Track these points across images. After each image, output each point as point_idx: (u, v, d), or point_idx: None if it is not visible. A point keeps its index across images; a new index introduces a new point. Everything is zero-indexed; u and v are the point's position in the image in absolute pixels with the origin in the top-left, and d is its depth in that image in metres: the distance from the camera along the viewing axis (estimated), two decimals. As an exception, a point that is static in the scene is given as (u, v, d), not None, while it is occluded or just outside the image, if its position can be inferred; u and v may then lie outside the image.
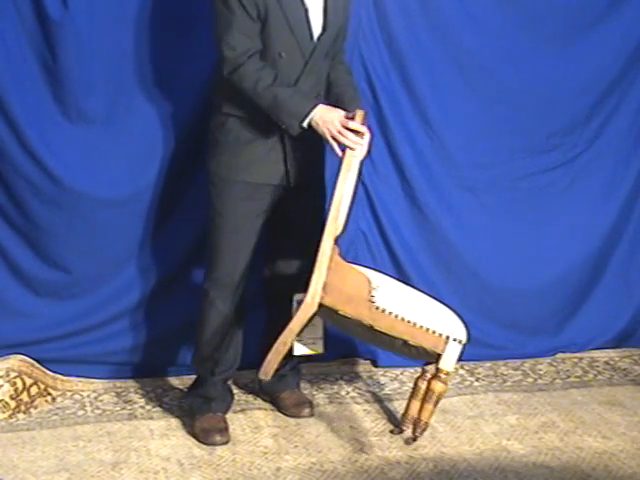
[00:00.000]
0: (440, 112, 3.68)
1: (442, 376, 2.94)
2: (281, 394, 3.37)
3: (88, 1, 3.30)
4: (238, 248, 3.09)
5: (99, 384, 3.55)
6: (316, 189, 3.20)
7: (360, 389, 3.59)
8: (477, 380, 3.69)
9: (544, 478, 2.97)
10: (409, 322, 2.87)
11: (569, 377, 3.76)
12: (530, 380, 3.71)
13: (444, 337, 2.90)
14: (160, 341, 3.59)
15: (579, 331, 3.96)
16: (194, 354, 3.27)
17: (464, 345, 2.95)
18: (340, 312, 2.81)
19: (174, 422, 3.28)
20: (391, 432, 3.19)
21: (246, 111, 2.99)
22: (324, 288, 2.75)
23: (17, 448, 3.08)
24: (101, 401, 3.44)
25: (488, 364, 3.83)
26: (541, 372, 3.79)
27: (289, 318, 2.87)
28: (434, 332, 2.90)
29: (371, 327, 2.84)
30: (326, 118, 2.88)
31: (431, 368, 3.02)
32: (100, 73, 3.37)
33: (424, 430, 3.02)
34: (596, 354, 3.96)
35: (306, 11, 2.95)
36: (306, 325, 2.89)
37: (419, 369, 3.72)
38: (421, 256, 3.78)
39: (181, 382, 3.53)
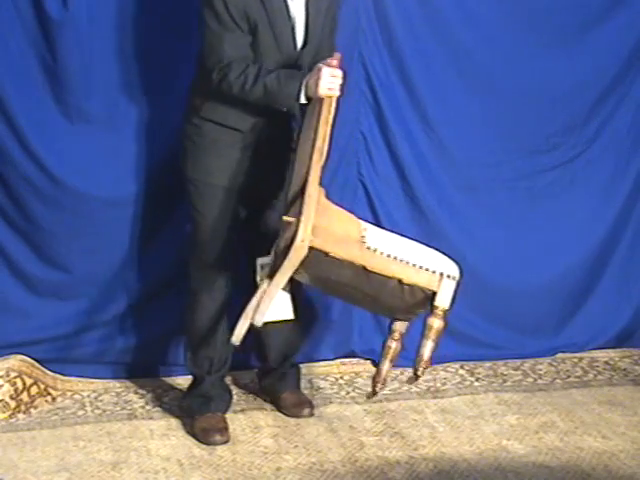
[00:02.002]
0: (440, 112, 3.68)
1: (439, 313, 2.86)
2: (281, 394, 3.37)
3: (88, 1, 3.30)
4: (222, 246, 3.10)
5: (99, 384, 3.55)
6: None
7: (360, 389, 3.59)
8: (477, 380, 3.69)
9: (544, 478, 2.97)
10: (402, 261, 2.82)
11: (569, 377, 3.75)
12: (530, 380, 3.71)
13: (438, 274, 2.84)
14: (160, 341, 3.59)
15: (579, 331, 3.96)
16: (186, 355, 3.27)
17: (457, 283, 2.89)
18: (331, 254, 2.75)
19: (174, 422, 3.28)
20: (367, 397, 3.14)
21: (224, 115, 3.01)
22: (313, 231, 2.70)
23: (17, 448, 3.08)
24: (101, 401, 3.44)
25: (488, 364, 3.83)
26: (541, 372, 3.79)
27: (254, 284, 2.87)
28: (427, 270, 2.84)
29: (364, 268, 2.78)
30: (318, 83, 2.84)
31: (399, 325, 2.98)
32: (100, 73, 3.37)
33: (426, 368, 2.94)
34: (596, 354, 3.96)
35: (292, 26, 2.98)
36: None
37: (419, 369, 3.76)
38: (421, 256, 3.78)
39: (181, 382, 3.52)
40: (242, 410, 3.37)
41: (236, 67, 2.90)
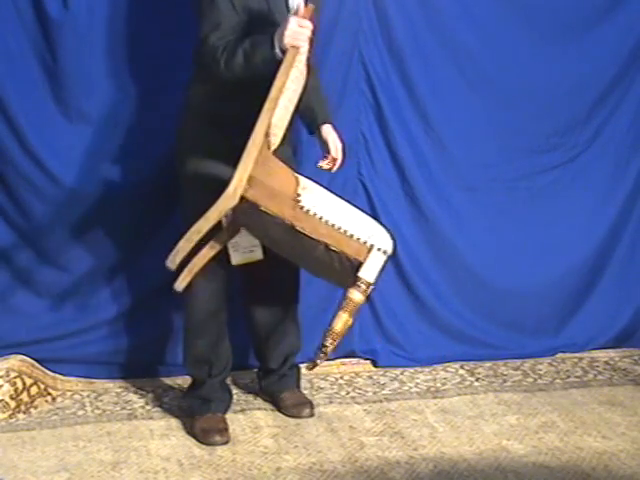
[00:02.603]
0: (440, 112, 3.69)
1: (361, 286, 2.74)
2: (281, 394, 3.37)
3: (88, 1, 3.31)
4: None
5: (99, 384, 3.55)
6: (287, 151, 3.14)
7: (360, 389, 3.59)
8: (477, 380, 3.69)
9: (544, 478, 2.97)
10: (333, 226, 2.72)
11: (569, 377, 3.75)
12: (530, 380, 3.71)
13: (368, 245, 2.74)
14: (160, 341, 3.59)
15: (579, 331, 3.96)
16: (185, 358, 3.26)
17: (388, 257, 2.79)
18: (262, 208, 2.68)
19: (174, 422, 3.28)
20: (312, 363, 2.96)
21: (218, 114, 2.97)
22: (249, 181, 2.62)
23: (17, 448, 3.08)
24: (101, 401, 3.44)
25: (488, 364, 3.83)
26: (541, 372, 3.79)
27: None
28: (358, 239, 2.74)
29: (292, 227, 2.70)
30: (284, 32, 2.73)
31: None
32: (100, 73, 3.38)
33: (335, 340, 2.79)
34: (596, 354, 3.96)
35: (289, 12, 2.96)
36: (237, 231, 2.80)
37: (419, 369, 3.76)
38: (421, 256, 3.78)
39: (181, 382, 3.52)
40: (242, 410, 3.37)
41: (221, 46, 2.85)
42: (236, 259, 3.03)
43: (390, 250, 2.79)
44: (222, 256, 3.06)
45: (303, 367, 3.27)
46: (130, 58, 3.37)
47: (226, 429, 3.16)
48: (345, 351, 3.77)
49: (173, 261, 2.77)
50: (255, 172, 2.64)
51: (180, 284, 2.94)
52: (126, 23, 3.34)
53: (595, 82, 3.81)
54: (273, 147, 2.86)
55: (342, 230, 2.73)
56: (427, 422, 3.32)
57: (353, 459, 3.06)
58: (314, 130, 3.22)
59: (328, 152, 3.20)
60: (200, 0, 2.92)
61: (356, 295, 2.73)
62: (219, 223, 2.83)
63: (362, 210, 2.95)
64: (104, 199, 3.44)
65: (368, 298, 2.76)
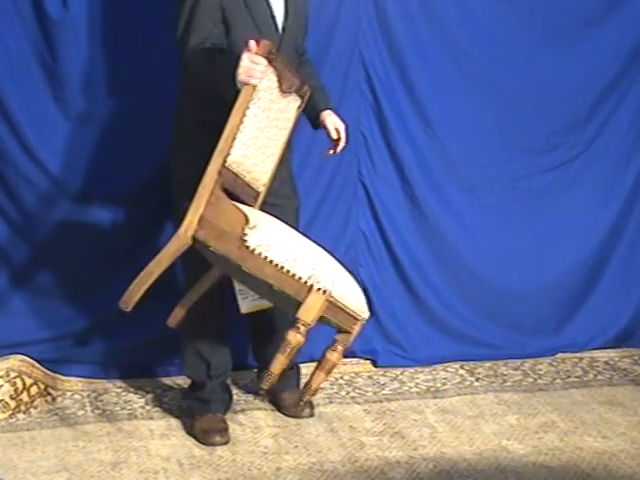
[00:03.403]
0: (440, 112, 3.69)
1: (300, 327, 2.67)
2: (281, 394, 3.37)
3: (88, 1, 3.31)
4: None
5: (99, 384, 3.55)
6: (287, 188, 3.17)
7: (360, 389, 3.59)
8: (477, 380, 3.69)
9: (544, 478, 2.97)
10: (276, 265, 2.69)
11: (569, 377, 3.75)
12: (530, 380, 3.71)
13: (308, 285, 2.70)
14: (161, 341, 3.59)
15: (579, 331, 3.96)
16: (183, 360, 3.26)
17: (329, 296, 2.71)
18: (211, 248, 2.70)
19: (174, 422, 3.28)
20: (297, 407, 2.96)
21: (209, 114, 2.92)
22: (199, 221, 2.66)
23: (17, 448, 3.08)
24: (101, 401, 3.44)
25: (488, 364, 3.83)
26: (541, 372, 3.79)
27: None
28: (299, 278, 2.69)
29: (239, 267, 2.71)
30: (238, 69, 2.70)
31: (341, 337, 2.82)
32: (100, 73, 3.38)
33: (273, 383, 2.75)
34: (596, 354, 3.96)
35: (271, 8, 2.96)
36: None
37: (419, 369, 3.76)
38: (421, 256, 3.79)
39: (181, 382, 3.52)
40: (242, 410, 3.37)
41: (194, 57, 2.85)
42: (246, 306, 3.06)
43: (330, 289, 2.72)
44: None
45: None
46: (130, 58, 3.37)
47: (226, 429, 3.16)
48: (345, 351, 3.77)
49: (127, 302, 2.81)
50: (206, 212, 2.67)
51: (172, 320, 2.98)
52: (126, 23, 3.34)
53: (595, 82, 3.81)
54: (260, 184, 2.86)
55: (285, 270, 2.70)
56: (427, 422, 3.32)
57: (353, 459, 3.06)
58: (316, 120, 3.15)
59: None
60: (177, 6, 2.92)
61: (292, 337, 2.68)
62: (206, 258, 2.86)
63: (318, 244, 2.92)
64: (104, 199, 3.44)
65: (305, 338, 2.70)
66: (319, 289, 2.69)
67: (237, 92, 2.70)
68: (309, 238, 2.93)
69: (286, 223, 3.00)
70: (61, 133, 3.40)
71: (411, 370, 3.75)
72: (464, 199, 3.79)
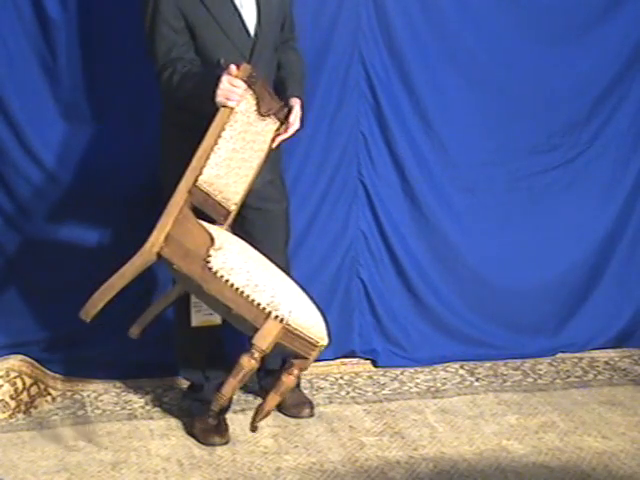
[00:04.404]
0: (440, 112, 3.69)
1: (254, 352, 2.67)
2: (281, 394, 3.37)
3: (88, 1, 3.31)
4: None
5: (99, 384, 3.55)
6: (273, 191, 3.15)
7: (360, 389, 3.59)
8: (477, 380, 3.69)
9: (544, 478, 2.97)
10: (237, 289, 2.69)
11: (569, 377, 3.75)
12: (530, 380, 3.71)
13: (266, 312, 2.69)
14: (161, 341, 3.58)
15: (579, 331, 3.96)
16: (178, 363, 3.27)
17: (285, 324, 2.69)
18: (174, 266, 2.72)
19: (174, 422, 3.28)
20: (251, 430, 2.87)
21: (189, 118, 2.91)
22: (166, 239, 2.68)
23: (17, 448, 3.08)
24: (101, 401, 3.44)
25: (488, 364, 3.83)
26: (541, 372, 3.79)
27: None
28: (259, 305, 2.68)
29: (200, 288, 2.72)
30: (216, 90, 2.70)
31: (298, 362, 2.79)
32: (100, 73, 3.38)
33: (222, 406, 2.78)
34: (596, 354, 3.96)
35: (239, 12, 2.94)
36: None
37: (419, 369, 3.75)
38: (421, 256, 3.78)
39: (181, 382, 3.52)
40: (242, 410, 3.37)
41: (165, 71, 2.85)
42: (197, 320, 3.08)
43: (287, 317, 2.71)
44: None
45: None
46: (130, 58, 3.37)
47: (226, 430, 3.16)
48: (345, 351, 3.78)
49: (87, 313, 2.82)
50: (172, 230, 2.69)
51: (134, 331, 3.00)
52: (126, 23, 3.33)
53: (595, 82, 3.81)
54: (231, 203, 2.85)
55: (245, 295, 2.70)
56: (427, 422, 3.32)
57: (353, 459, 3.06)
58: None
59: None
60: (141, 11, 2.91)
61: (246, 361, 2.68)
62: (179, 273, 2.84)
63: (281, 268, 2.92)
64: (104, 199, 3.44)
65: (258, 364, 2.71)
66: (276, 317, 2.68)
67: (215, 108, 2.70)
68: (274, 262, 2.92)
69: (274, 227, 3.00)
70: (60, 133, 3.40)
71: (411, 370, 3.75)
72: (464, 199, 3.78)
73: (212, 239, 2.73)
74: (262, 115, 2.84)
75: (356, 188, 3.69)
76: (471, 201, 3.79)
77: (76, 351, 3.55)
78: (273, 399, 2.78)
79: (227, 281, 2.69)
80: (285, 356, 3.35)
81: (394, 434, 3.22)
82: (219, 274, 2.69)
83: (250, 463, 3.01)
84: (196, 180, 2.70)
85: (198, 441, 3.14)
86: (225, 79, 2.69)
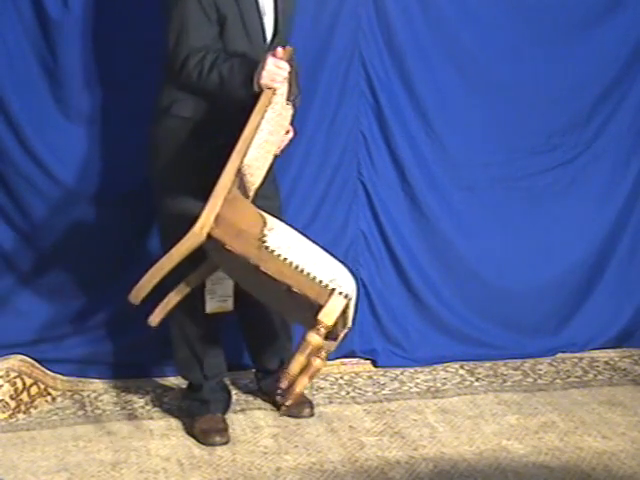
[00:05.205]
0: (440, 112, 3.69)
1: (320, 329, 2.66)
2: (281, 394, 3.37)
3: (88, 1, 3.31)
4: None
5: (99, 384, 3.55)
6: (268, 189, 3.13)
7: (360, 389, 3.59)
8: (477, 380, 3.69)
9: (544, 478, 2.96)
10: (297, 267, 2.69)
11: (569, 377, 3.75)
12: (530, 380, 3.71)
13: (329, 288, 2.70)
14: (161, 341, 3.58)
15: (579, 331, 3.95)
16: (175, 360, 3.26)
17: (349, 301, 2.74)
18: (227, 247, 2.68)
19: (174, 422, 3.28)
20: (280, 413, 2.96)
21: (194, 111, 2.96)
22: (216, 220, 2.65)
23: (17, 448, 3.08)
24: (101, 401, 3.44)
25: (488, 364, 3.83)
26: (541, 372, 3.79)
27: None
28: (320, 282, 2.69)
29: (257, 268, 2.68)
30: (261, 72, 2.75)
31: (326, 343, 2.79)
32: (100, 73, 3.38)
33: (290, 382, 2.71)
34: (596, 354, 3.96)
35: (262, 19, 2.97)
36: (213, 280, 2.89)
37: (419, 369, 3.75)
38: (421, 256, 3.78)
39: (180, 382, 3.52)
40: (242, 410, 3.37)
41: (195, 56, 2.86)
42: (211, 307, 3.06)
43: (352, 294, 2.75)
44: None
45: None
46: (130, 58, 3.37)
47: (226, 429, 3.16)
48: (345, 351, 3.78)
49: (136, 296, 2.80)
50: (223, 211, 2.66)
51: (154, 320, 2.97)
52: (126, 23, 3.34)
53: (595, 82, 3.80)
54: (253, 187, 2.86)
55: (305, 272, 2.70)
56: (427, 422, 3.32)
57: (353, 459, 3.05)
58: None
59: None
60: (170, 3, 2.92)
61: (313, 338, 2.67)
62: (196, 260, 2.85)
63: (329, 252, 2.91)
64: (104, 199, 3.44)
65: (326, 340, 2.71)
66: (341, 293, 2.69)
67: (253, 95, 2.73)
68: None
69: None
70: (61, 133, 3.40)
71: (411, 370, 3.75)
72: (464, 199, 3.78)
73: (264, 219, 2.73)
74: (287, 100, 2.88)
75: (356, 188, 3.69)
76: (471, 201, 3.79)
77: (76, 351, 3.55)
78: (302, 381, 2.75)
79: (285, 259, 2.68)
80: (283, 357, 3.37)
81: (394, 434, 3.22)
82: (276, 253, 2.68)
83: (250, 463, 3.01)
84: (242, 162, 2.69)
85: (198, 441, 3.14)
86: (271, 61, 2.74)
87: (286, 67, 2.77)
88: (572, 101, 3.80)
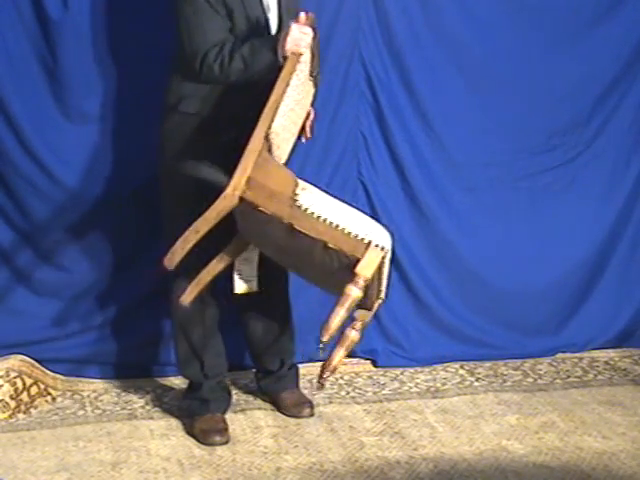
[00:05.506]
0: (440, 112, 3.68)
1: (359, 281, 2.67)
2: (281, 394, 3.37)
3: (88, 1, 3.31)
4: (206, 245, 3.07)
5: (99, 384, 3.55)
6: None
7: (360, 389, 3.59)
8: (477, 380, 3.69)
9: (544, 478, 2.96)
10: (331, 224, 2.71)
11: (569, 377, 3.75)
12: (530, 380, 3.71)
13: (366, 241, 2.71)
14: (161, 341, 3.59)
15: (579, 331, 3.96)
16: (176, 358, 3.26)
17: (385, 254, 2.77)
18: (260, 208, 2.70)
19: (174, 422, 3.28)
20: (317, 388, 2.94)
21: (204, 106, 2.98)
22: (247, 182, 2.67)
23: (17, 448, 3.08)
24: (101, 401, 3.44)
25: (488, 364, 3.83)
26: (541, 372, 3.79)
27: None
28: (356, 236, 2.71)
29: (291, 227, 2.70)
30: (286, 38, 2.80)
31: (360, 314, 2.84)
32: (100, 73, 3.38)
33: (332, 337, 2.71)
34: (596, 354, 3.96)
35: (266, 15, 2.99)
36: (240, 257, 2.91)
37: (419, 369, 3.76)
38: (421, 256, 3.78)
39: (181, 382, 3.52)
40: (242, 410, 3.37)
41: (212, 50, 2.88)
42: (239, 287, 3.06)
43: (388, 246, 2.78)
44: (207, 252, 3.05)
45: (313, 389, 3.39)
46: (130, 58, 3.37)
47: (226, 429, 3.16)
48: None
49: (171, 260, 2.79)
50: (254, 174, 2.67)
51: (187, 298, 2.95)
52: (126, 23, 3.34)
53: (596, 82, 3.80)
54: (278, 153, 2.86)
55: (340, 227, 2.72)
56: (427, 422, 3.32)
57: (353, 459, 3.05)
58: None
59: None
60: (179, 2, 2.93)
61: (353, 291, 2.68)
62: (226, 238, 2.88)
63: (360, 210, 2.95)
64: (104, 199, 3.44)
65: (364, 294, 2.72)
66: (377, 245, 2.71)
67: (278, 68, 2.78)
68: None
69: None
70: (61, 133, 3.40)
71: (411, 370, 3.75)
72: (464, 199, 3.78)
73: (295, 180, 2.75)
74: (311, 76, 2.91)
75: (356, 188, 3.69)
76: (471, 201, 3.79)
77: (76, 351, 3.54)
78: (339, 352, 2.77)
79: (319, 217, 2.71)
80: (282, 357, 3.37)
81: (394, 434, 3.22)
82: (309, 211, 2.71)
83: (250, 463, 3.01)
84: (269, 127, 2.70)
85: (198, 441, 3.14)
86: (295, 27, 2.81)
87: (309, 32, 2.83)
88: (572, 101, 3.79)
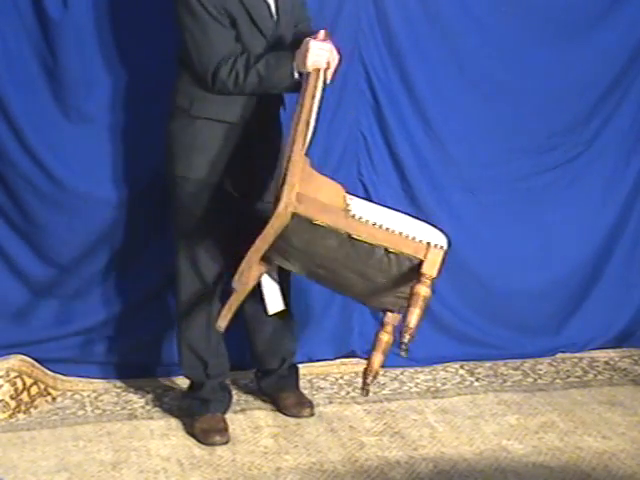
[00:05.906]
0: (440, 112, 3.68)
1: (426, 281, 2.75)
2: (281, 394, 3.37)
3: (88, 1, 3.31)
4: (214, 245, 3.08)
5: (99, 384, 3.55)
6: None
7: (360, 389, 3.59)
8: (477, 380, 3.69)
9: (544, 478, 2.97)
10: (388, 229, 2.78)
11: (569, 377, 3.75)
12: (530, 380, 3.71)
13: (425, 242, 2.78)
14: (161, 341, 3.59)
15: (579, 331, 3.96)
16: (179, 357, 3.26)
17: (446, 252, 2.83)
18: (316, 222, 2.73)
19: (174, 422, 3.28)
20: (362, 394, 2.95)
21: (215, 110, 3.00)
22: (297, 198, 2.70)
23: (17, 448, 3.08)
24: (101, 401, 3.44)
25: (488, 364, 3.83)
26: (541, 372, 3.79)
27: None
28: (414, 239, 2.79)
29: (349, 237, 2.75)
30: (307, 55, 2.86)
31: (391, 317, 2.92)
32: (100, 73, 3.38)
33: (413, 337, 2.76)
34: (596, 354, 3.96)
35: (269, 7, 3.00)
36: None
37: (419, 369, 3.76)
38: (421, 256, 3.78)
39: (181, 382, 3.52)
40: (242, 410, 3.37)
41: (225, 64, 2.91)
42: (273, 307, 3.05)
43: (446, 245, 2.84)
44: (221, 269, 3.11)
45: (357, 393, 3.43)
46: (130, 58, 3.37)
47: (226, 429, 3.16)
48: (345, 351, 3.78)
49: (240, 282, 2.83)
50: (302, 189, 2.72)
51: (221, 324, 2.94)
52: (126, 23, 3.34)
53: (596, 82, 3.80)
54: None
55: (397, 232, 2.78)
56: (427, 422, 3.32)
57: (353, 459, 3.06)
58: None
59: None
60: (182, 16, 2.94)
61: (424, 290, 2.74)
62: (229, 239, 2.95)
63: (408, 214, 2.98)
64: (103, 199, 3.44)
65: (432, 292, 2.79)
66: (436, 245, 2.78)
67: (295, 83, 2.88)
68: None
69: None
70: (61, 133, 3.39)
71: (411, 370, 3.75)
72: (464, 199, 3.78)
73: (344, 190, 2.80)
74: (324, 83, 2.96)
75: (356, 188, 3.68)
76: (471, 201, 3.79)
77: (76, 351, 3.54)
78: (377, 358, 2.86)
79: (375, 224, 2.77)
80: (284, 356, 3.37)
81: (394, 434, 3.23)
82: (364, 219, 2.76)
83: (250, 463, 3.01)
84: (304, 142, 2.76)
85: (198, 441, 3.14)
86: (314, 44, 2.86)
87: (330, 47, 2.88)
88: (572, 101, 3.79)
